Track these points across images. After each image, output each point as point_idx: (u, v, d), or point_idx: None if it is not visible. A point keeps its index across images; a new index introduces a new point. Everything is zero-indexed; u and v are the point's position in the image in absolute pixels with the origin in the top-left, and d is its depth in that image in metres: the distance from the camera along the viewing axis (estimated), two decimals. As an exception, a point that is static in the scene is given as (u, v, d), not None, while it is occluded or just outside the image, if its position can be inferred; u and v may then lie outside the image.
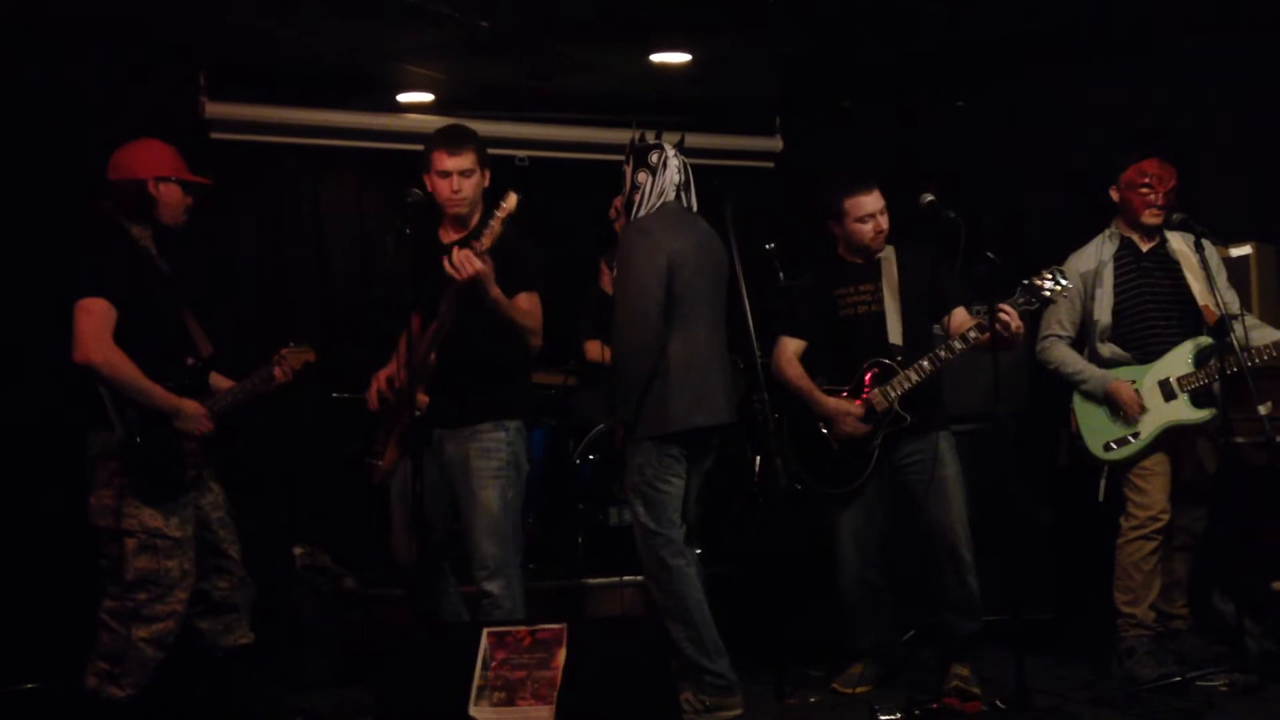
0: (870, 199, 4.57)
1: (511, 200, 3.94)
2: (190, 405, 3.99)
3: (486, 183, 4.32)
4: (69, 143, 5.13)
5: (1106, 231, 4.81)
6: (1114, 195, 4.78)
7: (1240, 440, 4.62)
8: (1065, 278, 4.25)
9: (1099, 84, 6.06)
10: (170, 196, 4.07)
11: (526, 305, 4.20)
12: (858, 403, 4.53)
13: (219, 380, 4.21)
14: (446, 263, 3.95)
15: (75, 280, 3.89)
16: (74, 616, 4.19)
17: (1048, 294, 4.24)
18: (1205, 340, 4.61)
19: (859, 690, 4.64)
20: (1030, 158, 6.20)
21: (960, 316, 4.48)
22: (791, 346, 4.73)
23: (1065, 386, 4.78)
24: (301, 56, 5.73)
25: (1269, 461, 4.53)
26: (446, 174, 4.21)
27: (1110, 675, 4.59)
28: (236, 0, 5.06)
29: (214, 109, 5.84)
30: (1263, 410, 4.28)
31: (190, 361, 4.09)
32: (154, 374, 3.93)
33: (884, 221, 4.59)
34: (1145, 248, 4.76)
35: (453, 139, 4.25)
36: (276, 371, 4.19)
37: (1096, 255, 4.76)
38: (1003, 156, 6.27)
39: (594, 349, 6.08)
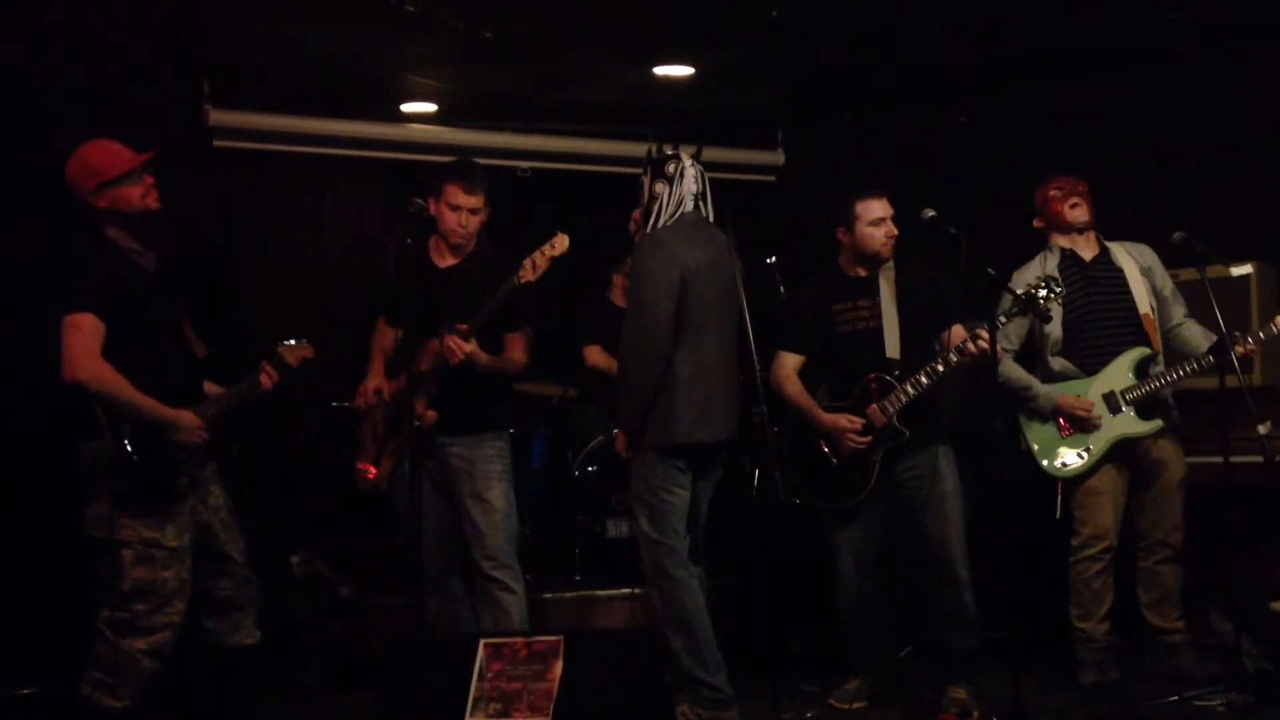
0: (881, 203, 4.57)
1: (563, 242, 4.19)
2: (185, 416, 3.95)
3: (486, 218, 4.58)
4: (72, 148, 5.13)
5: (1045, 250, 4.87)
6: (1038, 224, 4.90)
7: (1239, 460, 4.63)
8: (1059, 285, 4.27)
9: (1099, 100, 6.07)
10: (119, 197, 3.93)
11: (515, 345, 4.47)
12: (858, 420, 4.52)
13: (210, 386, 4.19)
14: (445, 347, 4.22)
15: (61, 294, 3.85)
16: (71, 622, 4.19)
17: (1042, 302, 4.26)
18: (1144, 351, 4.69)
19: (855, 705, 4.63)
20: (1031, 173, 6.20)
21: (957, 334, 4.46)
22: (790, 362, 4.73)
23: (1015, 403, 4.82)
24: (305, 65, 5.75)
25: (1267, 481, 4.54)
26: (457, 208, 4.40)
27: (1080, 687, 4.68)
28: (241, 8, 5.07)
29: (217, 116, 5.85)
30: (1261, 430, 4.29)
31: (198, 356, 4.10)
32: (149, 380, 3.89)
33: (894, 228, 4.58)
34: (1088, 256, 4.82)
35: (471, 177, 4.45)
36: (262, 379, 4.16)
37: (1040, 269, 4.77)
38: (1004, 171, 6.27)
39: (593, 354, 6.10)
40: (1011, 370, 4.77)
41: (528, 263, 4.17)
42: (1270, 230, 5.45)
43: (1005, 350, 4.76)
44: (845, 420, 4.52)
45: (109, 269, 3.92)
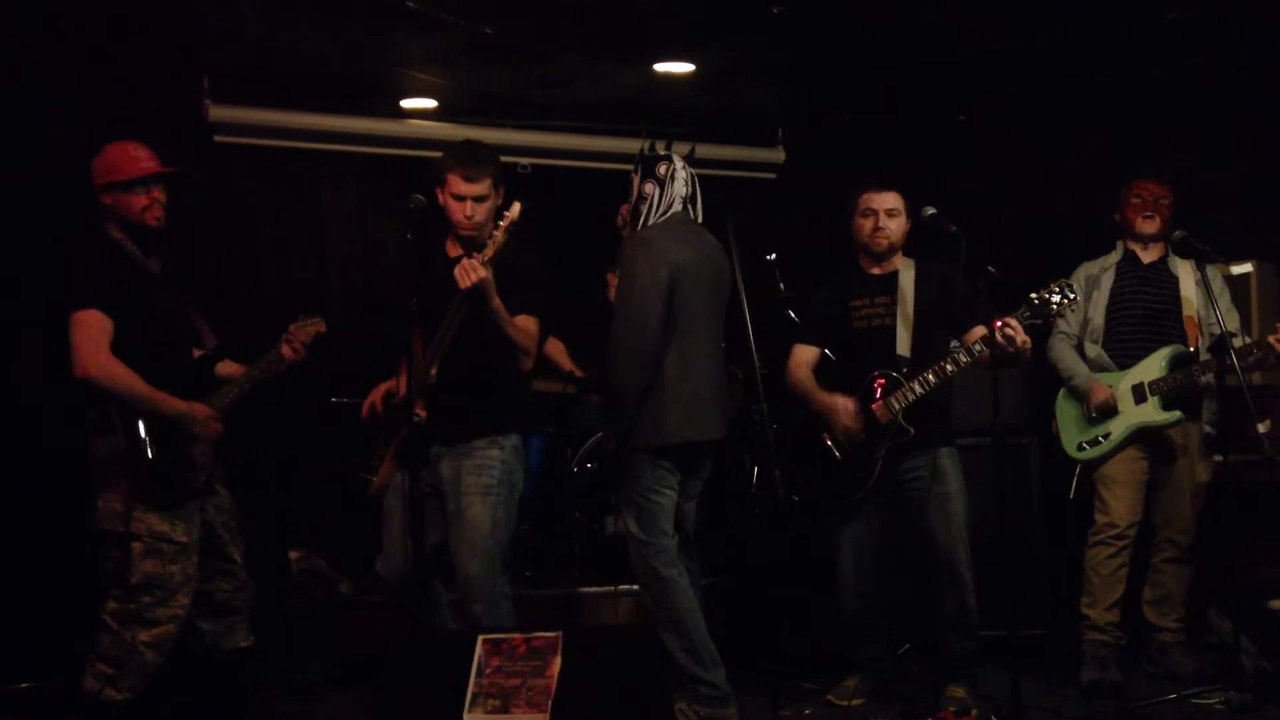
0: (879, 197, 4.57)
1: (515, 209, 3.95)
2: (198, 409, 3.97)
3: (500, 200, 4.27)
4: (71, 145, 5.12)
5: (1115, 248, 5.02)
6: (1117, 218, 5.02)
7: (1238, 459, 4.65)
8: (1073, 291, 4.26)
9: (1099, 100, 6.08)
10: (121, 201, 3.98)
11: (524, 326, 4.20)
12: (852, 400, 4.50)
13: (230, 366, 4.18)
14: (459, 271, 3.95)
15: (67, 292, 3.86)
16: (72, 616, 4.19)
17: (1055, 307, 4.25)
18: (1180, 348, 4.77)
19: (853, 703, 4.63)
20: (1031, 172, 6.22)
21: (979, 334, 4.43)
22: (803, 354, 4.72)
23: (1059, 387, 4.98)
24: (305, 61, 5.74)
25: (1267, 480, 4.55)
26: (461, 198, 4.16)
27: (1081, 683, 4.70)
28: (240, 4, 5.06)
29: (217, 112, 5.84)
30: (1261, 429, 4.31)
31: (197, 353, 4.08)
32: (156, 375, 3.91)
33: (891, 226, 4.56)
34: (1146, 260, 4.94)
35: (471, 163, 4.17)
36: (285, 350, 4.14)
37: (1101, 263, 4.99)
38: (1004, 170, 6.28)
39: (553, 346, 6.03)
40: (1062, 351, 4.95)
41: (490, 240, 3.97)
42: (1270, 230, 5.45)
43: (1064, 335, 4.96)
44: (841, 400, 4.51)
45: (112, 266, 3.94)
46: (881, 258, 4.62)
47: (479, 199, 4.16)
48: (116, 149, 4.02)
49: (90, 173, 4.02)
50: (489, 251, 3.96)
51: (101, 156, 4.02)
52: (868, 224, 4.58)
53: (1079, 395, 4.86)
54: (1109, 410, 4.76)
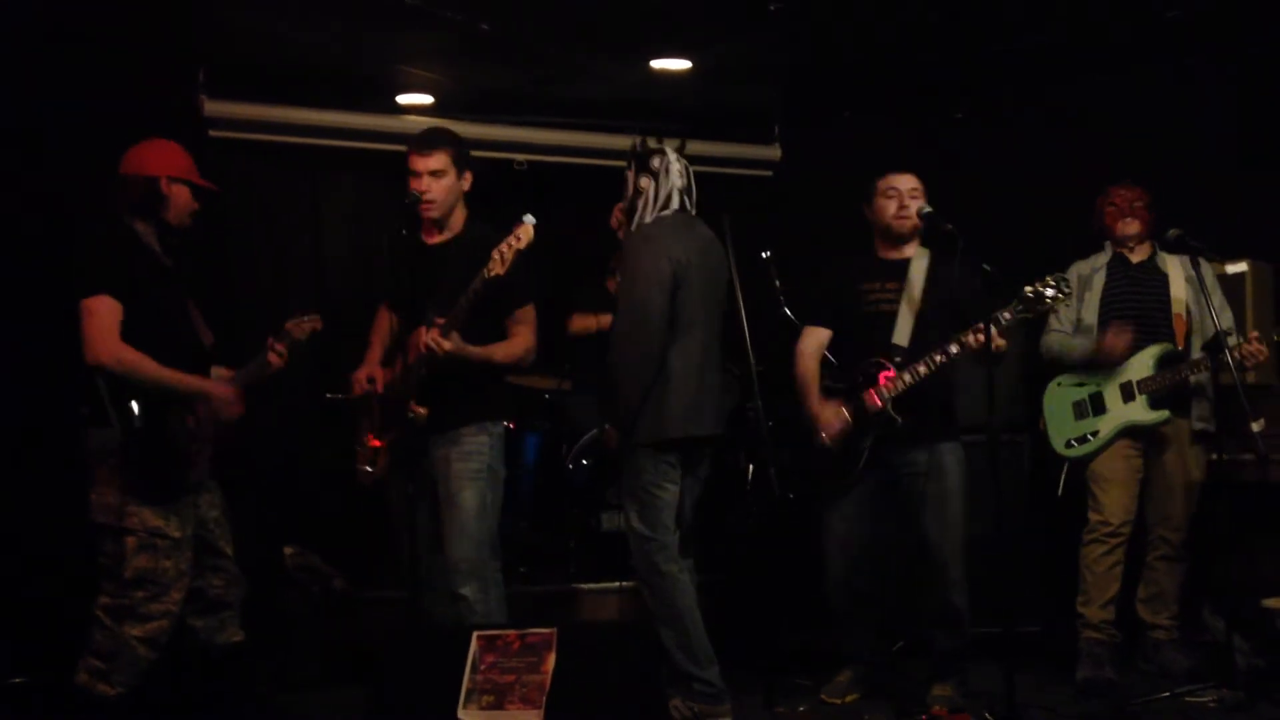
0: (901, 179, 4.57)
1: (528, 232, 4.00)
2: (218, 388, 3.98)
3: (467, 186, 4.34)
4: (67, 138, 5.13)
5: (1102, 247, 5.07)
6: (1096, 228, 5.08)
7: (1232, 457, 4.66)
8: (1068, 285, 4.28)
9: (1096, 98, 6.08)
10: (180, 197, 4.06)
11: (517, 332, 4.29)
12: (835, 422, 4.50)
13: (218, 371, 4.19)
14: (422, 344, 4.06)
15: (79, 278, 3.88)
16: (64, 611, 4.18)
17: (1049, 301, 4.26)
18: (1168, 346, 4.81)
19: (847, 699, 4.64)
20: (1030, 172, 6.21)
21: None
22: (816, 337, 4.69)
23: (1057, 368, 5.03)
24: (301, 56, 5.73)
25: (1261, 478, 4.57)
26: (417, 174, 4.24)
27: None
28: (238, -2, 5.06)
29: (212, 107, 5.83)
30: (1255, 427, 4.33)
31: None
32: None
33: (912, 205, 4.53)
34: (1135, 260, 5.00)
35: (424, 140, 4.29)
36: (271, 358, 4.17)
37: (1091, 263, 5.04)
38: (1001, 168, 6.28)
39: (578, 321, 6.05)
40: (1056, 340, 4.99)
41: (495, 255, 4.00)
42: (1266, 230, 5.46)
43: (1057, 331, 4.99)
44: (831, 414, 4.50)
45: (125, 254, 3.95)
46: (902, 240, 4.58)
47: (435, 174, 4.24)
48: (182, 150, 4.11)
49: (149, 159, 4.03)
50: (495, 267, 3.99)
51: (161, 150, 4.06)
52: (891, 205, 4.55)
53: (1097, 362, 4.84)
54: (1125, 344, 4.75)
